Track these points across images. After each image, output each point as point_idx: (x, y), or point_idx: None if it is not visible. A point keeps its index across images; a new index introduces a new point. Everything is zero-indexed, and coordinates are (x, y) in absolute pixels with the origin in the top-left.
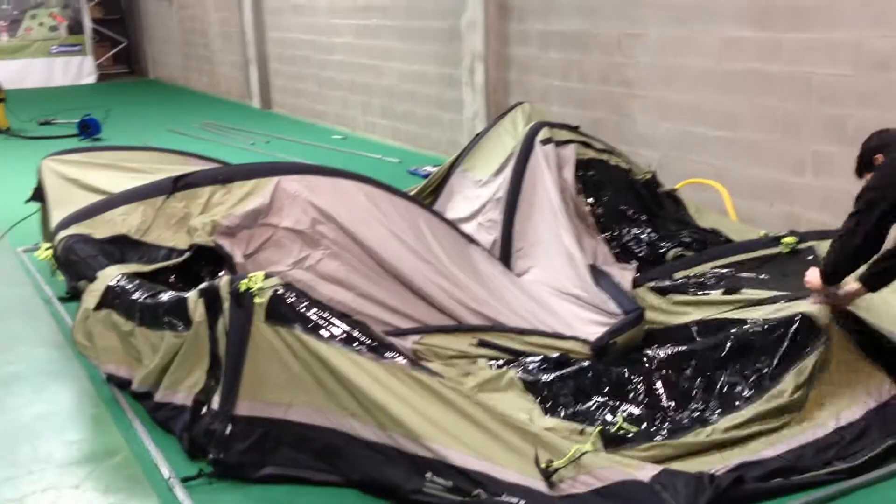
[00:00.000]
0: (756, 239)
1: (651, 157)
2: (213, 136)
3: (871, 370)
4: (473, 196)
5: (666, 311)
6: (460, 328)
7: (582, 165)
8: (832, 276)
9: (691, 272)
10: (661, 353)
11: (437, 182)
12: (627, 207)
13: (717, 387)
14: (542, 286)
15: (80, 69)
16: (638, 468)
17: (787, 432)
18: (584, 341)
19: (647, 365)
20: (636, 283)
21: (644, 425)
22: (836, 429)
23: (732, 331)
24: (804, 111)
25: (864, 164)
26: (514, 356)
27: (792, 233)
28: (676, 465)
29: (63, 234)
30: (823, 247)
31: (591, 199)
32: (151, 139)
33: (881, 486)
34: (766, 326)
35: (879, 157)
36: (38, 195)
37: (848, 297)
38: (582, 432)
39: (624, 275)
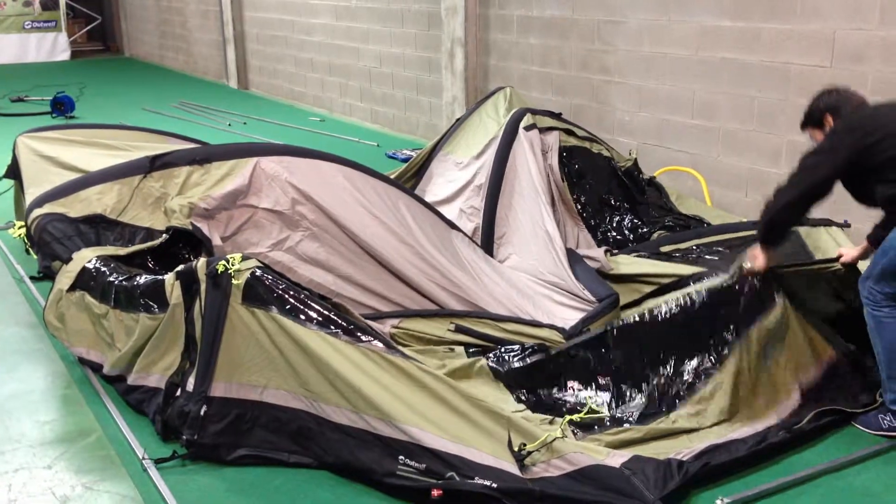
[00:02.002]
0: (743, 221)
1: (629, 145)
2: (189, 116)
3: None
4: (455, 178)
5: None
6: (438, 313)
7: (564, 153)
8: (766, 234)
9: (678, 246)
10: (624, 336)
11: (418, 165)
12: (610, 195)
13: (678, 366)
14: (522, 273)
15: (53, 46)
16: (608, 455)
17: (751, 412)
18: (560, 329)
19: (610, 349)
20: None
21: (611, 411)
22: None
23: (688, 302)
24: (781, 101)
25: (810, 120)
26: (491, 343)
27: None
28: (644, 450)
29: (37, 212)
30: (809, 232)
31: (573, 188)
32: (126, 118)
33: (848, 471)
34: (711, 294)
35: (829, 119)
36: (13, 172)
37: (759, 257)
38: (551, 422)
39: (599, 252)
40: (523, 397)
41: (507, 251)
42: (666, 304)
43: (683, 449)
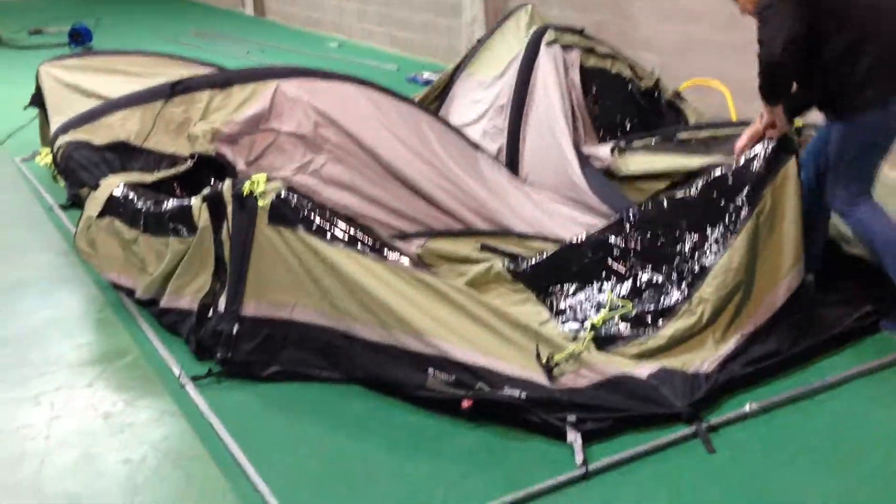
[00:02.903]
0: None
1: (653, 61)
2: (207, 45)
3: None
4: (478, 98)
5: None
6: (465, 233)
7: (582, 74)
8: (769, 88)
9: (696, 134)
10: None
11: (441, 88)
12: (626, 119)
13: (697, 243)
14: (545, 192)
15: None
16: (635, 366)
17: (758, 303)
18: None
19: (628, 236)
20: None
21: (633, 304)
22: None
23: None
24: None
25: None
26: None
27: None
28: (670, 362)
29: (62, 139)
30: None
31: (589, 110)
32: (143, 48)
33: (877, 376)
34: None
35: None
36: (37, 101)
37: (777, 120)
38: (575, 338)
39: (605, 151)
40: (545, 300)
41: (532, 171)
42: (684, 189)
43: (709, 357)
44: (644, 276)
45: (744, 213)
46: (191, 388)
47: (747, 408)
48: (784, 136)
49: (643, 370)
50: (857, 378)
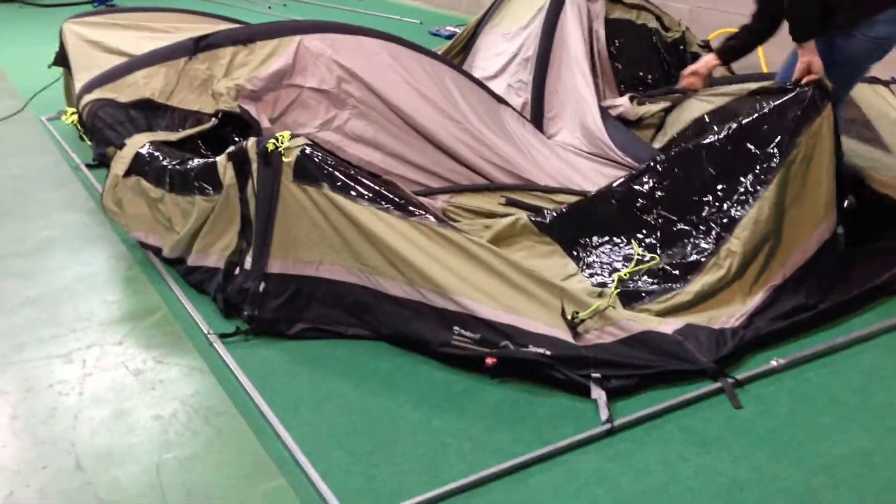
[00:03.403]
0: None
1: (682, 10)
2: (229, 0)
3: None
4: (502, 51)
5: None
6: (489, 187)
7: (606, 26)
8: (801, 25)
9: (713, 90)
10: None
11: (465, 41)
12: (649, 73)
13: (726, 191)
14: (570, 146)
15: None
16: (660, 323)
17: (788, 256)
18: None
19: (655, 186)
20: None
21: (660, 257)
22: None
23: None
24: None
25: None
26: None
27: None
28: (696, 318)
29: (87, 98)
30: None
31: (612, 63)
32: (166, 4)
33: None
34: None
35: None
36: (61, 59)
37: (706, 66)
38: (600, 294)
39: (624, 100)
40: (572, 252)
41: (557, 126)
42: (713, 135)
43: (736, 312)
44: (671, 227)
45: (775, 161)
46: (219, 346)
47: (773, 363)
48: (820, 82)
49: (668, 326)
50: (887, 333)
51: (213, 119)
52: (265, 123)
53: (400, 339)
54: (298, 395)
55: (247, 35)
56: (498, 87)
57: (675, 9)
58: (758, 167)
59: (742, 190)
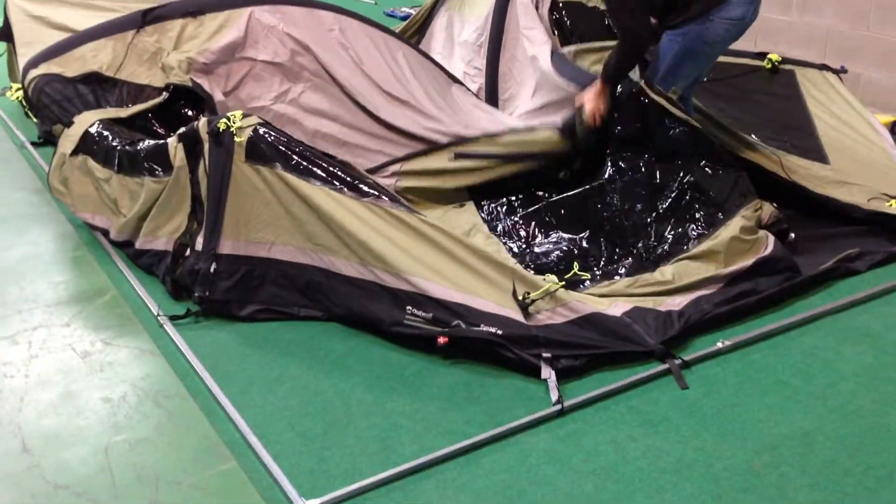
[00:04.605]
0: (744, 50)
1: None
2: None
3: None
4: (457, 36)
5: None
6: (434, 147)
7: (555, 8)
8: (613, 73)
9: None
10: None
11: (420, 23)
12: None
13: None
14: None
15: None
16: (609, 305)
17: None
18: (555, 129)
19: (602, 195)
20: None
21: (601, 264)
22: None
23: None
24: None
25: None
26: (494, 159)
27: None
28: (643, 301)
29: (33, 73)
30: (804, 73)
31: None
32: None
33: (848, 312)
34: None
35: None
36: (5, 34)
37: (598, 96)
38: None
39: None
40: (515, 249)
41: (514, 104)
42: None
43: (678, 297)
44: (609, 247)
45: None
46: (169, 328)
47: (719, 344)
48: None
49: (617, 309)
50: (829, 315)
51: (165, 93)
52: (219, 97)
53: (353, 319)
54: (250, 377)
55: (196, 7)
56: (454, 72)
57: None
58: (698, 223)
59: (681, 232)
